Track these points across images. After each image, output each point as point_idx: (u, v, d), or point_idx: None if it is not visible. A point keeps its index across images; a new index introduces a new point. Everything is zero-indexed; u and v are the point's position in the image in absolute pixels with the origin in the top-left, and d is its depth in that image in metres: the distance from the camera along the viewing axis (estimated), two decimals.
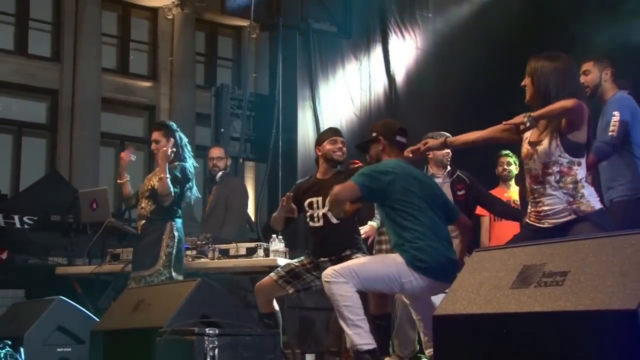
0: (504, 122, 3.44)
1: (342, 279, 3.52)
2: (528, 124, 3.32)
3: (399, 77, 9.99)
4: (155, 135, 4.98)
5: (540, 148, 3.38)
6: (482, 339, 2.29)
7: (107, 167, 13.68)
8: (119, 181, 5.18)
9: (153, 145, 4.97)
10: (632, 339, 1.86)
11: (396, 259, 3.64)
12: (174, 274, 4.82)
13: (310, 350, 5.91)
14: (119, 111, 14.18)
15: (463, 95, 8.73)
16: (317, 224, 4.48)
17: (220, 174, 6.15)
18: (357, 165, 4.81)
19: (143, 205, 4.94)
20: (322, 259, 4.41)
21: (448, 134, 5.33)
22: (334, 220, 4.40)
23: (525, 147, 3.48)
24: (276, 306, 4.52)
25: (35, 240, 8.01)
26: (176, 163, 4.93)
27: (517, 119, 3.34)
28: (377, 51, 10.15)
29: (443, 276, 3.59)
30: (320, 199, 4.45)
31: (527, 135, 3.52)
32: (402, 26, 10.11)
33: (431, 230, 3.74)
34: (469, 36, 9.39)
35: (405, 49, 10.09)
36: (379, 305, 4.26)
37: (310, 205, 4.50)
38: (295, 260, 4.56)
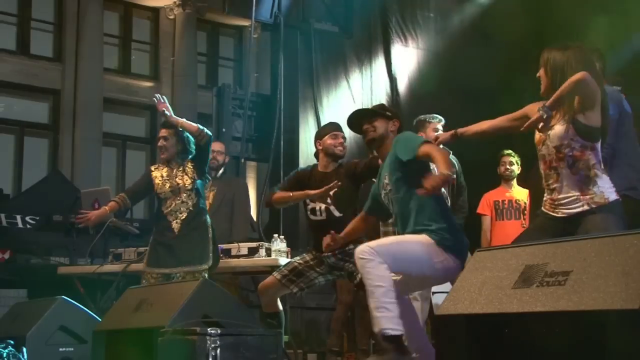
0: (524, 127, 3.38)
1: (379, 259, 3.32)
2: (545, 116, 3.25)
3: (401, 76, 9.99)
4: (164, 132, 4.97)
5: (552, 132, 3.35)
6: (484, 339, 2.29)
7: (109, 167, 13.68)
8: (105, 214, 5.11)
9: (161, 142, 4.94)
10: (634, 338, 1.86)
11: (426, 239, 3.50)
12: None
13: (313, 350, 5.92)
14: (120, 111, 14.18)
15: (464, 94, 8.72)
16: (319, 218, 4.44)
17: (221, 171, 6.14)
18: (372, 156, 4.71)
19: (183, 199, 4.87)
20: (325, 254, 4.36)
21: (441, 117, 5.37)
22: (337, 214, 4.38)
23: (538, 134, 3.44)
24: (280, 306, 4.51)
25: (38, 240, 8.02)
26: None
27: (535, 117, 3.28)
28: (379, 51, 10.15)
29: (465, 257, 3.57)
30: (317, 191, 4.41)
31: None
32: (403, 26, 10.11)
33: (448, 210, 3.78)
34: (470, 36, 9.39)
35: (407, 49, 10.10)
36: None
37: (312, 199, 4.46)
38: (298, 257, 4.54)
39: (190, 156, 4.95)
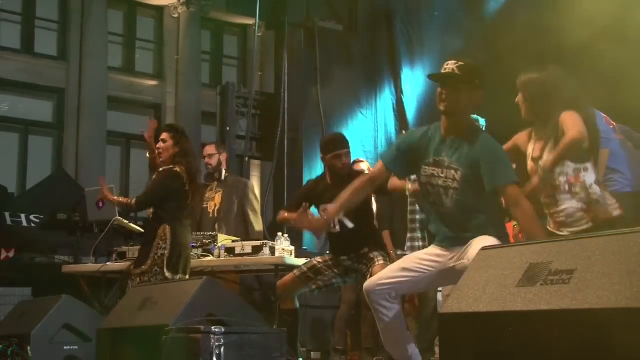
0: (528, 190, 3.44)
1: None
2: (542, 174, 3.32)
3: (405, 75, 9.98)
4: (164, 135, 5.01)
5: (542, 163, 3.36)
6: (488, 337, 2.28)
7: (113, 165, 13.69)
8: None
9: (160, 144, 4.98)
10: (638, 337, 1.86)
11: (491, 240, 3.26)
12: (167, 274, 4.78)
13: (317, 348, 5.92)
14: (125, 110, 14.19)
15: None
16: (334, 230, 4.49)
17: (224, 173, 6.12)
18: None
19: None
20: (342, 257, 4.48)
21: None
22: (350, 225, 4.41)
23: (530, 164, 3.46)
24: (297, 304, 4.57)
25: (42, 239, 8.04)
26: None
27: (534, 183, 3.36)
28: (383, 49, 10.15)
29: None
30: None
31: (530, 151, 3.49)
32: (408, 24, 10.10)
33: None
34: (474, 35, 9.38)
35: (411, 47, 10.09)
36: None
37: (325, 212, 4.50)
38: (318, 257, 4.64)
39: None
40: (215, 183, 6.08)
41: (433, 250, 3.51)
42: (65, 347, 4.49)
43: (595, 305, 1.98)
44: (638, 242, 2.07)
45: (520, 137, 3.52)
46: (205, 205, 6.06)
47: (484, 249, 2.69)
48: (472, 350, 2.30)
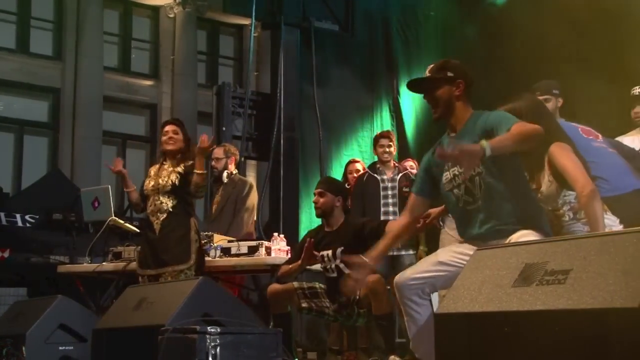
0: None
1: None
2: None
3: (402, 75, 9.99)
4: (173, 127, 5.02)
5: (542, 195, 3.35)
6: (483, 337, 2.29)
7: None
8: (126, 190, 5.18)
9: (171, 135, 4.98)
10: (634, 337, 1.86)
11: (531, 235, 3.12)
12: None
13: (313, 348, 5.92)
14: (120, 110, 14.17)
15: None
16: (332, 275, 4.54)
17: (225, 174, 6.13)
18: (365, 220, 4.75)
19: (162, 200, 4.92)
20: (337, 296, 4.49)
21: None
22: (347, 271, 4.44)
23: None
24: (289, 307, 4.58)
25: (37, 239, 8.02)
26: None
27: None
28: (380, 49, 10.15)
29: None
30: (330, 251, 4.50)
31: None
32: (404, 24, 10.11)
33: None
34: (471, 33, 9.39)
35: (408, 47, 10.09)
36: (380, 306, 4.28)
37: (322, 257, 4.54)
38: (322, 284, 4.65)
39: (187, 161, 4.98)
40: (221, 186, 6.11)
41: (471, 245, 3.31)
42: (60, 348, 4.47)
43: (590, 305, 1.99)
44: (633, 242, 2.08)
45: None
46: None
47: (479, 249, 2.69)
48: (468, 350, 2.31)
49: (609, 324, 1.92)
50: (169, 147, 4.99)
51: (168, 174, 4.94)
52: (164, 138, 5.04)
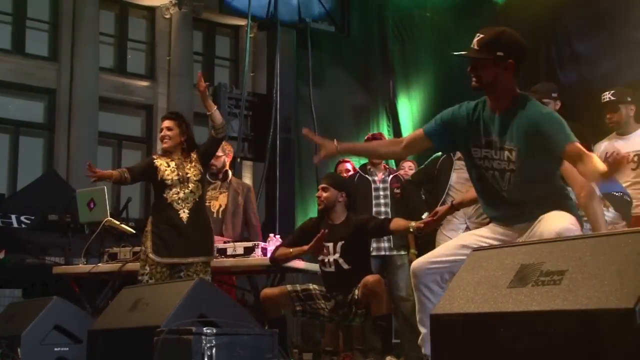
0: None
1: None
2: None
3: (398, 75, 9.99)
4: (168, 123, 4.97)
5: None
6: (479, 338, 2.29)
7: (104, 166, 13.56)
8: (108, 181, 5.16)
9: (164, 132, 4.94)
10: (629, 338, 1.86)
11: (562, 215, 3.00)
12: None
13: (308, 349, 5.92)
14: (116, 110, 14.16)
15: (462, 90, 8.71)
16: (329, 269, 4.53)
17: (230, 175, 6.13)
18: (363, 217, 4.74)
19: (191, 188, 4.88)
20: (334, 292, 4.50)
21: None
22: (345, 266, 4.44)
23: None
24: (282, 310, 4.58)
25: (33, 240, 8.01)
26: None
27: None
28: (376, 50, 10.16)
29: None
30: (331, 245, 4.50)
31: None
32: (400, 25, 10.11)
33: None
34: (466, 32, 9.39)
35: (404, 48, 10.10)
36: (380, 307, 4.29)
37: (326, 250, 4.53)
38: (315, 285, 4.64)
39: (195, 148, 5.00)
40: (219, 183, 6.06)
41: (495, 228, 3.16)
42: (55, 349, 4.46)
43: (586, 306, 1.99)
44: (628, 242, 2.08)
45: None
46: (207, 204, 6.05)
47: (475, 249, 2.69)
48: (463, 350, 2.31)
49: (604, 324, 1.93)
50: (165, 146, 4.97)
51: (190, 165, 4.93)
52: (160, 135, 5.02)
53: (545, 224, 2.92)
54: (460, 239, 3.28)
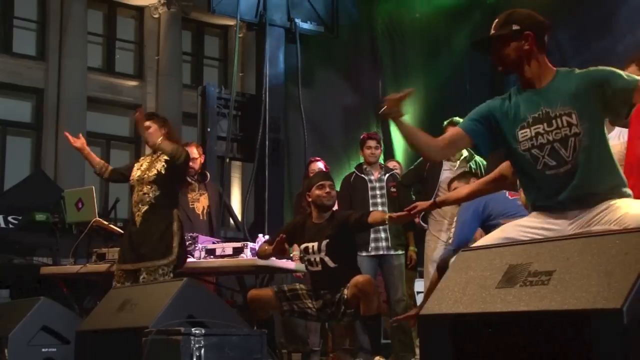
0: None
1: None
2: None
3: (388, 76, 10.00)
4: (146, 123, 4.91)
5: None
6: (468, 338, 2.29)
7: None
8: (92, 166, 5.12)
9: (145, 132, 4.89)
10: (617, 338, 1.87)
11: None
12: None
13: (297, 349, 5.92)
14: (104, 110, 14.11)
15: (452, 91, 8.74)
16: (315, 269, 4.53)
17: (208, 176, 6.14)
18: (349, 213, 4.76)
19: (145, 190, 4.80)
20: (322, 291, 4.50)
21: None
22: (331, 265, 4.44)
23: (522, 197, 3.44)
24: (270, 312, 4.60)
25: (20, 240, 7.97)
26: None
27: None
28: (365, 50, 10.16)
29: None
30: (315, 244, 4.51)
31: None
32: (389, 25, 10.12)
33: None
34: (456, 34, 9.41)
35: (393, 48, 10.11)
36: (369, 307, 4.29)
37: (306, 250, 4.55)
38: (302, 284, 4.66)
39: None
40: (196, 184, 6.06)
41: (539, 217, 2.97)
42: (43, 350, 4.44)
43: (573, 307, 2.00)
44: (616, 243, 2.09)
45: (506, 165, 3.47)
46: (191, 206, 6.05)
47: (464, 250, 2.70)
48: (452, 351, 2.31)
49: (592, 324, 1.94)
50: (148, 144, 4.96)
51: (154, 164, 4.87)
52: (143, 137, 5.00)
53: (626, 210, 2.74)
54: (503, 230, 3.09)
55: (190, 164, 5.67)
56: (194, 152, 5.98)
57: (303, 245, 4.57)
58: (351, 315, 4.43)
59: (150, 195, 4.78)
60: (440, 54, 9.57)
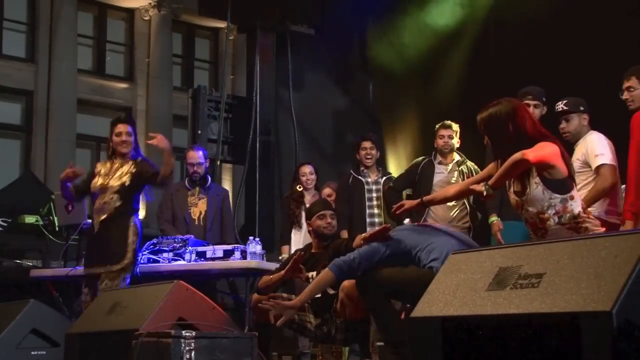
0: (470, 187, 3.46)
1: None
2: (487, 193, 3.26)
3: (378, 77, 10.00)
4: (127, 128, 4.91)
5: (528, 197, 3.31)
6: (458, 340, 2.30)
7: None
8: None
9: (125, 137, 4.86)
10: (606, 340, 1.88)
11: None
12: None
13: (288, 352, 5.91)
14: (94, 112, 14.07)
15: (448, 91, 8.75)
16: (317, 296, 4.51)
17: (209, 181, 6.13)
18: (341, 239, 4.75)
19: (107, 200, 4.79)
20: (322, 312, 4.47)
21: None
22: (331, 292, 4.43)
23: (513, 198, 3.38)
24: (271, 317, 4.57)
25: (9, 243, 7.92)
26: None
27: (478, 187, 3.30)
28: (355, 53, 10.16)
29: None
30: (314, 273, 4.49)
31: (510, 183, 3.44)
32: (380, 28, 10.13)
33: None
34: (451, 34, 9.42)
35: (384, 51, 10.12)
36: (356, 311, 4.29)
37: (307, 280, 4.53)
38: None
39: (138, 158, 4.92)
40: (198, 189, 6.06)
41: None
42: (32, 352, 4.42)
43: (563, 309, 2.01)
44: (605, 245, 2.10)
45: (492, 169, 3.47)
46: (188, 210, 6.04)
47: (454, 253, 2.71)
48: (442, 353, 2.32)
49: (582, 327, 1.94)
50: (124, 150, 4.89)
51: (120, 175, 4.83)
52: (116, 139, 4.89)
53: None
54: None
55: (195, 168, 5.85)
56: (196, 157, 6.04)
57: (305, 274, 4.58)
58: (342, 331, 4.43)
59: (111, 205, 4.80)
60: (431, 58, 9.57)
